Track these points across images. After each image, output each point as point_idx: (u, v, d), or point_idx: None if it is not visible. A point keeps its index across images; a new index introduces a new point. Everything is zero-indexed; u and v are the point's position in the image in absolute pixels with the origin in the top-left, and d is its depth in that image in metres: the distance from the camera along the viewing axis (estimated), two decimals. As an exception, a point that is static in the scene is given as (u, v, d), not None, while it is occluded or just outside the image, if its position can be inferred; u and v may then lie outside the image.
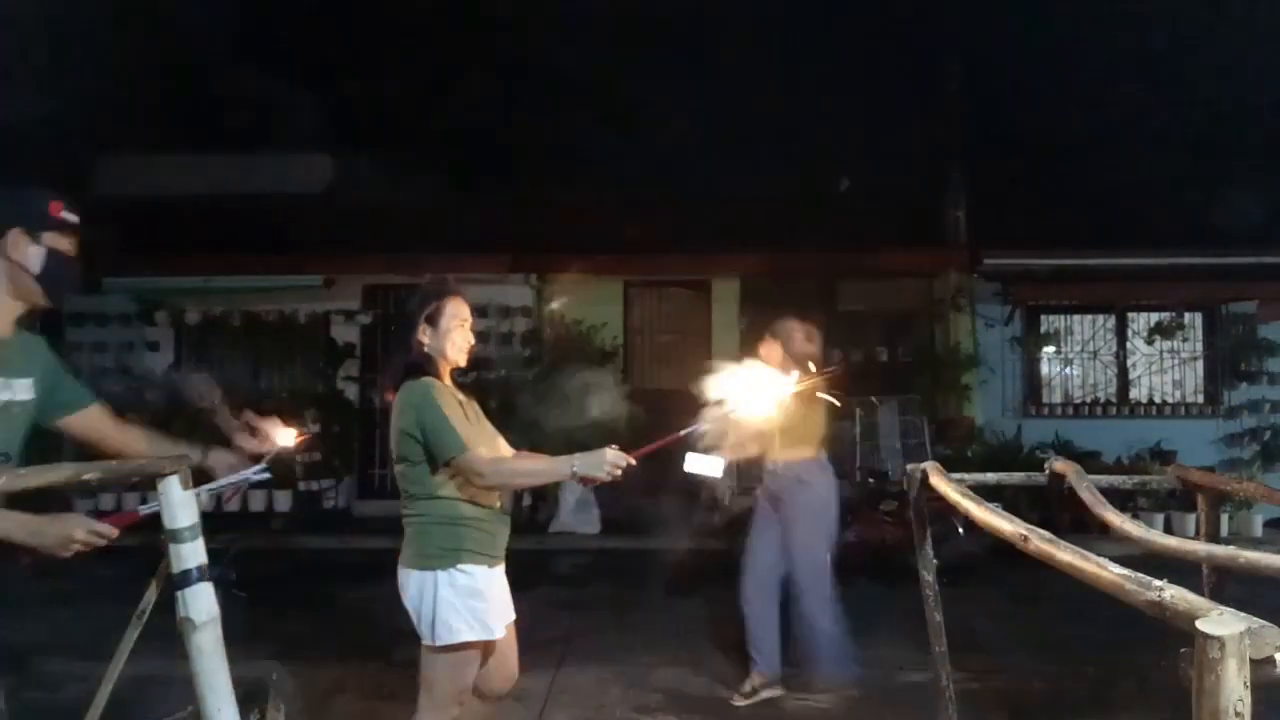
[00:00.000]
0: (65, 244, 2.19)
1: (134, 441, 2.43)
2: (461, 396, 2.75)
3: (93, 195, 10.61)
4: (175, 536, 2.00)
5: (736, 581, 4.40)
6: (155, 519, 2.03)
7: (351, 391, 10.33)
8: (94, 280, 9.91)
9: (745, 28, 9.97)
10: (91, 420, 2.36)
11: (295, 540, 8.61)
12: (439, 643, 2.54)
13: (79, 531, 1.95)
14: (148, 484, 2.14)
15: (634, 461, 2.56)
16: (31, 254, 2.14)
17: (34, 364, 2.21)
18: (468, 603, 2.55)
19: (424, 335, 2.67)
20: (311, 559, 8.15)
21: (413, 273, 10.10)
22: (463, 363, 2.73)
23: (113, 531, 2.01)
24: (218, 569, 2.08)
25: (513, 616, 2.77)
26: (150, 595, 2.21)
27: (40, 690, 4.34)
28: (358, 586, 6.52)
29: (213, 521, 2.12)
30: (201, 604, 1.96)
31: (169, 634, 1.94)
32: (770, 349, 4.27)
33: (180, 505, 2.05)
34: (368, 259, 9.87)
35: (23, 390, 2.16)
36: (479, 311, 10.02)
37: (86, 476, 1.80)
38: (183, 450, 2.37)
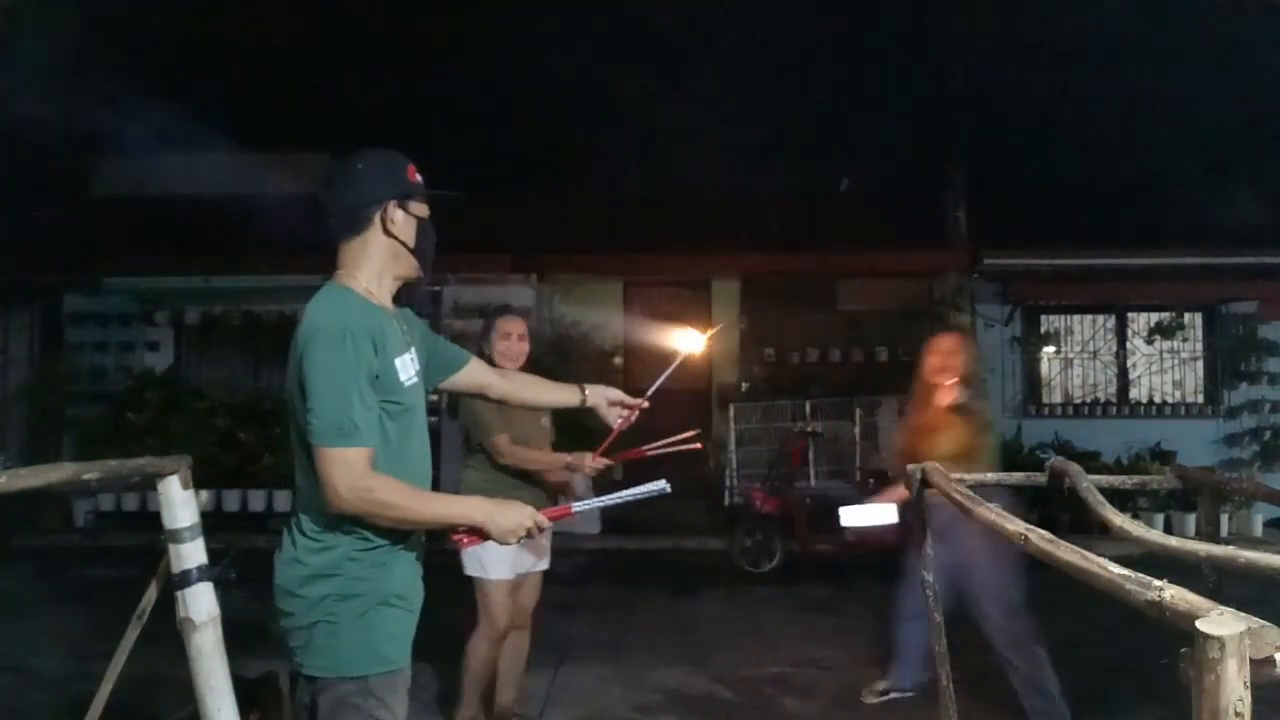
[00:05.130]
0: (424, 209, 2.12)
1: (521, 387, 2.53)
2: None
3: (92, 195, 10.64)
4: (175, 536, 2.00)
5: (896, 592, 4.24)
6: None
7: (351, 391, 10.31)
8: (94, 280, 9.92)
9: (745, 27, 9.96)
10: (473, 375, 2.41)
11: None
12: (465, 573, 3.45)
13: (528, 520, 1.94)
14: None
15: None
16: (406, 226, 2.07)
17: (415, 334, 2.19)
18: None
19: (484, 348, 3.54)
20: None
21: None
22: (511, 368, 3.43)
23: (548, 524, 2.00)
24: (217, 569, 2.08)
25: (533, 569, 3.64)
26: (150, 595, 2.21)
27: (41, 690, 4.34)
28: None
29: (213, 521, 2.11)
30: (201, 604, 1.96)
31: (169, 634, 1.94)
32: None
33: (180, 505, 2.05)
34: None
35: (418, 361, 2.14)
36: (478, 312, 10.03)
37: (86, 476, 1.80)
38: (570, 391, 2.53)
